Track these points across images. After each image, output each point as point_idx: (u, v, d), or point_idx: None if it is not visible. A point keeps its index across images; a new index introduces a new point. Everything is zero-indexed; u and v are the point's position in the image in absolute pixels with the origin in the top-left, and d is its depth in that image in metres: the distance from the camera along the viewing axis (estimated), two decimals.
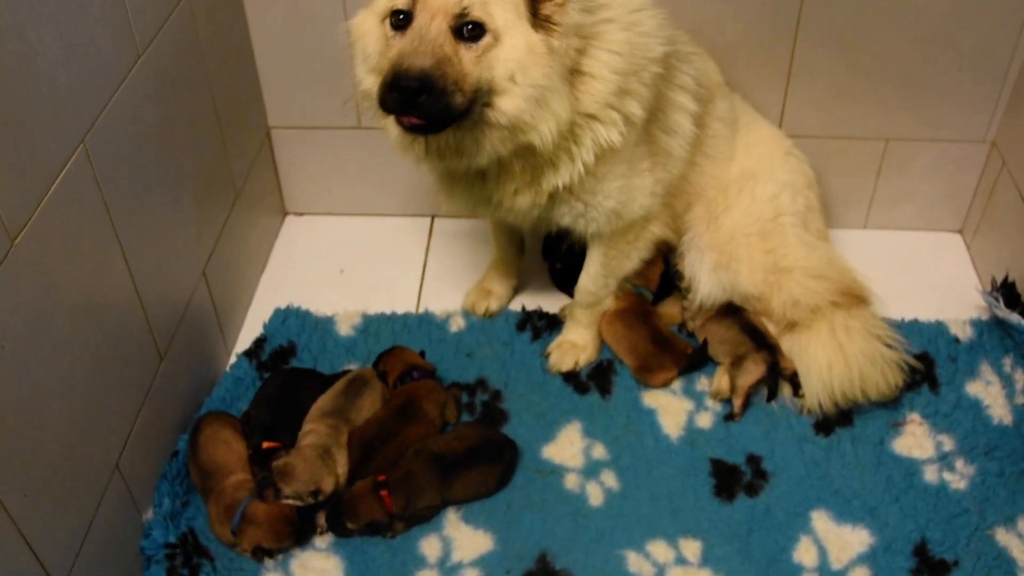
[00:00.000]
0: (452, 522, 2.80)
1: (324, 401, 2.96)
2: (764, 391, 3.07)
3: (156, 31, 2.70)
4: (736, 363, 3.09)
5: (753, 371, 3.05)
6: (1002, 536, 2.75)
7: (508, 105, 2.44)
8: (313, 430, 2.86)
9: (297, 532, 2.72)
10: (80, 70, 2.31)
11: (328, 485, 2.74)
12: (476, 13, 2.34)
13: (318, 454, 2.77)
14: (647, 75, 2.69)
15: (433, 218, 3.90)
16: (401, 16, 2.39)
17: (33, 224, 2.11)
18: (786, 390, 3.07)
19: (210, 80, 3.10)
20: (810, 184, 3.32)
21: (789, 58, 3.38)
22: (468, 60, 2.36)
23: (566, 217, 2.91)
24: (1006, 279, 3.30)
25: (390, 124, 2.56)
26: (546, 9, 2.43)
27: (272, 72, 3.53)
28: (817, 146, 3.52)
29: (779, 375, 3.06)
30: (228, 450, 2.84)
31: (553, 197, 2.80)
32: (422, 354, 3.18)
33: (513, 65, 2.39)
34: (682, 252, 3.23)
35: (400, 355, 3.13)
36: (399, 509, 2.74)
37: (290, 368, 3.19)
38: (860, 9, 3.24)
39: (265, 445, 2.82)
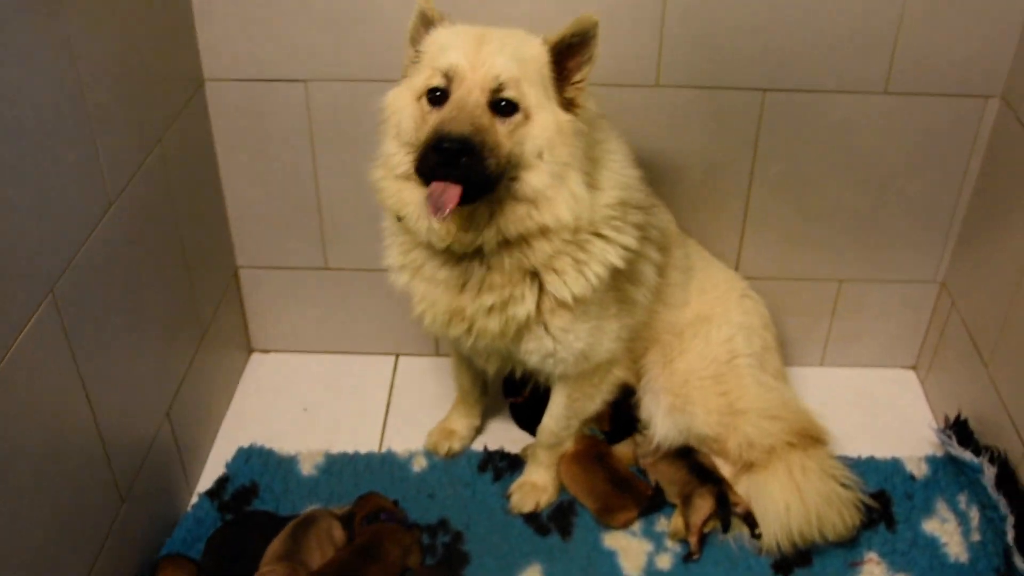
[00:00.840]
0: None
1: (275, 546, 2.93)
2: (719, 528, 3.09)
3: (128, 180, 2.76)
4: (685, 501, 3.12)
5: (702, 507, 3.07)
6: None
7: (534, 179, 2.54)
8: (272, 571, 2.84)
9: None
10: (51, 220, 2.35)
11: None
12: (510, 91, 2.46)
13: None
14: (633, 218, 2.80)
15: (397, 357, 3.94)
16: (438, 93, 2.50)
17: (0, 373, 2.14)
18: (744, 529, 3.09)
19: (179, 223, 3.16)
20: (766, 324, 3.39)
21: (744, 205, 3.49)
22: (503, 133, 2.47)
23: (534, 356, 2.92)
24: (959, 417, 3.36)
25: (410, 195, 2.63)
26: (570, 92, 2.56)
27: (241, 213, 3.60)
28: (773, 287, 3.61)
29: (729, 507, 3.07)
30: None
31: (521, 330, 2.84)
32: (395, 503, 3.18)
33: (542, 142, 2.51)
34: (639, 395, 3.27)
35: (372, 498, 3.14)
36: None
37: (240, 515, 3.14)
38: (811, 160, 3.37)
39: None
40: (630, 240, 2.79)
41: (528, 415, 3.48)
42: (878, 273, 3.65)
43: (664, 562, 3.07)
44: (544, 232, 2.62)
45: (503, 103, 2.47)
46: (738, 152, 3.38)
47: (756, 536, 3.05)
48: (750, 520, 3.07)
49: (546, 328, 2.84)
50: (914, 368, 3.90)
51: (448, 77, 2.48)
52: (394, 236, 2.90)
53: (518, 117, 2.49)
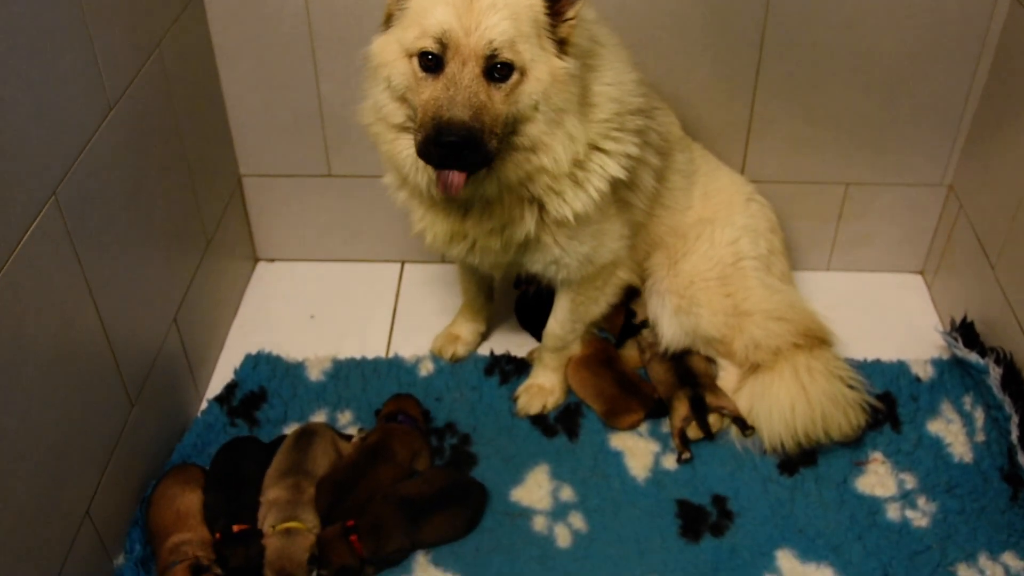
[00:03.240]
0: (422, 565, 2.82)
1: (278, 461, 2.95)
2: (732, 431, 3.14)
3: (127, 84, 2.74)
4: (668, 403, 3.17)
5: (678, 408, 3.12)
6: (964, 572, 2.79)
7: (531, 129, 2.53)
8: (274, 500, 2.83)
9: None
10: (51, 124, 2.34)
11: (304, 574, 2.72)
12: (505, 55, 2.40)
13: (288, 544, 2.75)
14: (632, 123, 2.77)
15: (403, 263, 3.94)
16: (431, 58, 2.44)
17: (4, 276, 2.14)
18: (751, 432, 3.11)
19: (181, 130, 3.14)
20: (772, 228, 3.38)
21: (749, 108, 3.45)
22: (498, 100, 2.43)
23: (537, 264, 2.94)
24: (964, 319, 3.37)
25: (405, 146, 2.62)
26: (563, 31, 2.50)
27: (243, 121, 3.57)
28: (779, 191, 3.59)
29: (705, 410, 3.11)
30: (168, 510, 2.80)
31: (525, 243, 2.84)
32: (426, 412, 3.21)
33: (538, 95, 2.47)
34: (645, 297, 3.28)
35: (401, 400, 3.19)
36: (369, 553, 2.76)
37: (229, 443, 3.07)
38: (817, 60, 3.32)
39: (236, 528, 2.77)
40: (631, 148, 2.77)
41: (533, 317, 3.48)
42: (885, 176, 3.63)
43: (670, 462, 3.10)
44: (543, 171, 2.63)
45: (498, 67, 2.42)
46: (743, 53, 3.33)
47: (747, 435, 3.09)
48: (740, 421, 3.11)
49: (550, 240, 2.84)
50: (921, 272, 3.90)
51: (441, 43, 2.41)
52: None
53: (514, 78, 2.43)
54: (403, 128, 2.60)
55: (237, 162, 3.69)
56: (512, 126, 2.50)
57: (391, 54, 2.52)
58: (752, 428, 3.08)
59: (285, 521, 2.76)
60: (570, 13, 2.49)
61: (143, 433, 2.91)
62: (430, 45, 2.41)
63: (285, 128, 3.58)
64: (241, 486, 2.90)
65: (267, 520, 2.79)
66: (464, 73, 2.39)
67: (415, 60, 2.46)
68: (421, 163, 2.57)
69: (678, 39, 3.31)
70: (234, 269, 3.77)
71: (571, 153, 2.60)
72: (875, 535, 2.89)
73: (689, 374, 3.18)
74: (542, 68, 2.47)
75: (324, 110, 3.51)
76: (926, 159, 3.57)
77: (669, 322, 3.19)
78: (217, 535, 2.77)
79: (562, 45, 2.50)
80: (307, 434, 3.01)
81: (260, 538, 2.74)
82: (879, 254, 3.86)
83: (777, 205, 3.48)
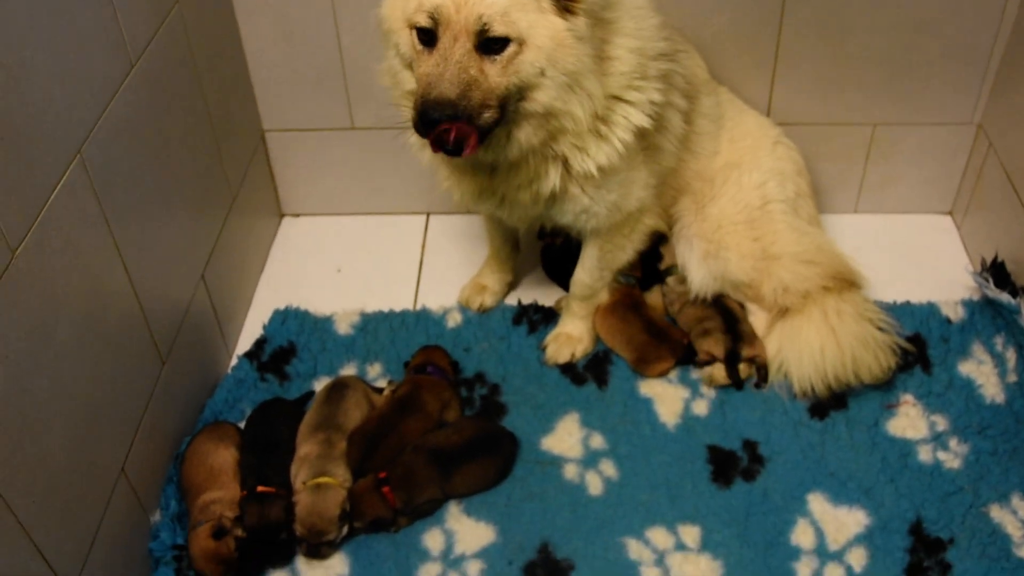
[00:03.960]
0: (454, 515, 2.84)
1: (310, 416, 2.96)
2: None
3: (148, 41, 2.73)
4: (703, 333, 3.17)
5: (714, 347, 3.14)
6: (996, 513, 2.79)
7: (542, 96, 2.49)
8: (305, 456, 2.85)
9: (232, 571, 2.68)
10: (73, 82, 2.34)
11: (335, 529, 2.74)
12: (497, 28, 2.36)
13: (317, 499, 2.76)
14: (654, 70, 2.74)
15: (428, 216, 3.93)
16: (425, 32, 2.42)
17: (32, 235, 2.15)
18: (781, 377, 3.11)
19: (203, 86, 3.14)
20: (800, 171, 3.35)
21: (774, 48, 3.41)
22: (494, 73, 2.40)
23: (567, 215, 2.93)
24: (995, 259, 3.33)
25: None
26: None
27: (264, 76, 3.56)
28: (806, 133, 3.55)
29: (738, 360, 3.11)
30: (201, 467, 2.83)
31: (554, 196, 2.82)
32: (455, 363, 3.22)
33: (542, 63, 2.43)
34: (673, 243, 3.27)
35: (430, 351, 3.19)
36: (401, 504, 2.78)
37: (264, 405, 3.08)
38: None
39: (260, 489, 2.78)
40: (655, 95, 2.73)
41: (560, 267, 3.47)
42: (913, 116, 3.58)
43: (700, 408, 3.10)
44: (563, 131, 2.61)
45: (492, 41, 2.38)
46: None
47: (762, 387, 3.12)
48: (761, 372, 3.12)
49: (578, 190, 2.83)
50: (950, 213, 3.86)
51: (433, 19, 2.38)
52: None
53: (511, 50, 2.39)
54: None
55: (260, 117, 3.68)
56: (520, 94, 2.47)
57: (397, 21, 2.51)
58: (767, 383, 3.10)
59: (316, 476, 2.78)
60: None
61: (174, 390, 2.94)
62: (423, 20, 2.40)
63: (307, 82, 3.56)
64: (275, 448, 2.92)
65: (299, 476, 2.81)
66: (455, 48, 2.37)
67: (414, 33, 2.45)
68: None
69: None
70: (260, 225, 3.78)
71: (590, 111, 2.57)
72: (907, 477, 2.88)
73: (729, 315, 3.18)
74: (542, 34, 2.40)
75: (346, 63, 3.49)
76: (955, 98, 3.52)
77: (697, 267, 3.18)
78: (243, 493, 2.79)
79: (570, 8, 2.44)
80: (339, 387, 3.03)
81: (280, 501, 2.75)
82: (907, 195, 3.82)
83: (804, 147, 3.44)
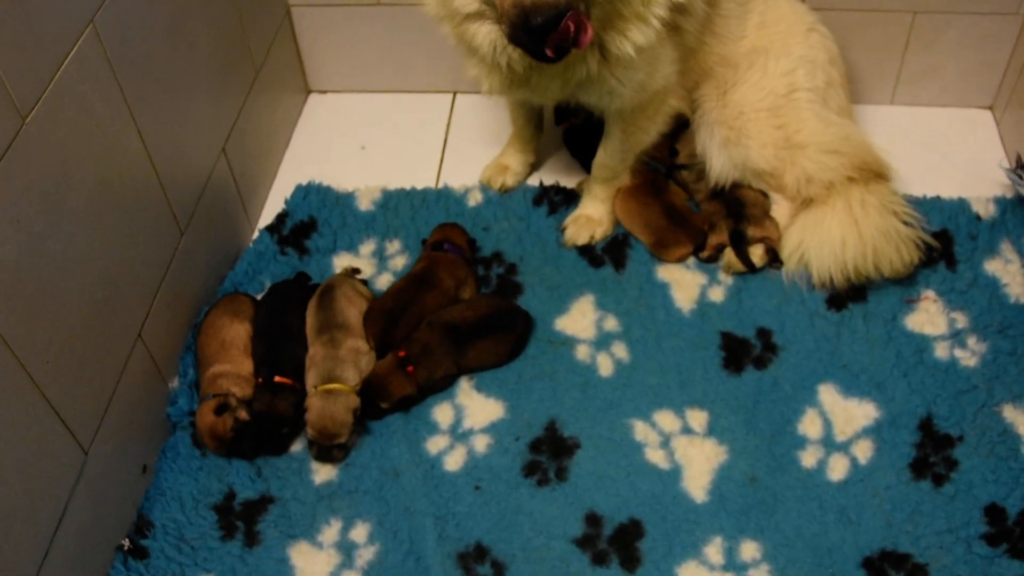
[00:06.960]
0: (465, 391, 2.88)
1: (310, 321, 2.95)
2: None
3: None
4: (711, 228, 3.18)
5: (719, 236, 3.13)
6: (1009, 412, 2.77)
7: None
8: (312, 357, 2.85)
9: (226, 449, 2.73)
10: None
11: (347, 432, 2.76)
12: None
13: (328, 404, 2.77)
14: None
15: (455, 94, 3.89)
16: None
17: (44, 103, 2.16)
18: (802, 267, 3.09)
19: None
20: (833, 60, 3.25)
21: None
22: None
23: (593, 96, 2.89)
24: None
25: (481, 31, 2.60)
26: None
27: None
28: (842, 19, 3.44)
29: (744, 241, 3.09)
30: (214, 339, 2.86)
31: (582, 80, 2.78)
32: (473, 242, 3.22)
33: None
34: (694, 128, 3.22)
35: (447, 229, 3.20)
36: (422, 381, 2.82)
37: (273, 289, 3.08)
38: None
39: (277, 379, 2.81)
40: None
41: (583, 145, 3.43)
42: (956, 4, 3.45)
43: (716, 294, 3.09)
44: (619, 16, 2.58)
45: None
46: None
47: (774, 268, 3.11)
48: (773, 254, 3.10)
49: (607, 73, 2.78)
50: (990, 107, 3.75)
51: None
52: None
53: None
54: (480, 15, 2.53)
55: None
56: None
57: None
58: (781, 262, 3.09)
59: (325, 380, 2.79)
60: None
61: (194, 261, 2.97)
62: None
63: None
64: (288, 338, 2.92)
65: (309, 378, 2.83)
66: None
67: None
68: (501, 46, 2.55)
69: None
70: (285, 100, 3.75)
71: None
72: (920, 373, 2.86)
73: (737, 204, 3.15)
74: None
75: None
76: None
77: (717, 154, 3.13)
78: (259, 380, 2.83)
79: None
80: (327, 291, 2.99)
81: (292, 396, 2.78)
82: (946, 87, 3.71)
83: (839, 35, 3.34)
